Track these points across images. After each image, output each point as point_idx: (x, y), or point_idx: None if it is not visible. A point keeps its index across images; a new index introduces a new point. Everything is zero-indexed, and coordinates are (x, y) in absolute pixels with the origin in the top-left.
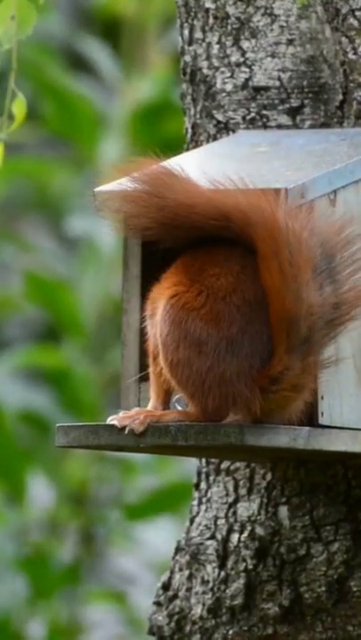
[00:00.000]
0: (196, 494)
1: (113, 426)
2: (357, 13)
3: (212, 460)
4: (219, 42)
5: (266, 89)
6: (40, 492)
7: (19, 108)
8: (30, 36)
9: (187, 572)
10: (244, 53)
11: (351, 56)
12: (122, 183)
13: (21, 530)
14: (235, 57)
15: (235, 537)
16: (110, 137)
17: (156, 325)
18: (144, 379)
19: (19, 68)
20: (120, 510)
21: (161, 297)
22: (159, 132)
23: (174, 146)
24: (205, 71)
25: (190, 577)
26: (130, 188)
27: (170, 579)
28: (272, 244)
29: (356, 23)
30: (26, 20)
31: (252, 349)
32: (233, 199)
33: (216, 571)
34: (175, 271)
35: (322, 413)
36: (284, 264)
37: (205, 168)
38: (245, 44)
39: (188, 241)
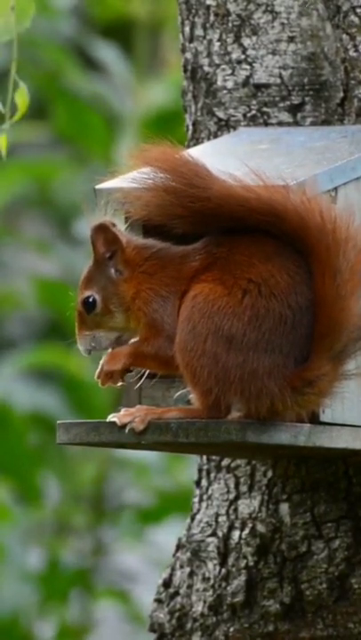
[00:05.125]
0: (197, 491)
1: (114, 423)
2: (358, 10)
3: (213, 457)
4: (220, 39)
5: (267, 86)
6: (51, 492)
7: (21, 97)
8: (43, 38)
9: (188, 570)
10: (244, 50)
11: (352, 53)
12: (145, 175)
13: (32, 530)
14: (236, 54)
15: (236, 534)
16: (122, 140)
17: (184, 311)
18: (146, 376)
19: (27, 69)
20: (131, 512)
21: (198, 287)
22: (172, 136)
23: None
24: (206, 68)
25: (191, 574)
26: (157, 179)
27: (171, 576)
28: (331, 250)
29: (356, 20)
30: (25, 12)
31: (290, 350)
32: (285, 198)
33: (217, 568)
34: (215, 262)
35: (323, 410)
36: (340, 271)
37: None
38: (246, 42)
39: (211, 229)
